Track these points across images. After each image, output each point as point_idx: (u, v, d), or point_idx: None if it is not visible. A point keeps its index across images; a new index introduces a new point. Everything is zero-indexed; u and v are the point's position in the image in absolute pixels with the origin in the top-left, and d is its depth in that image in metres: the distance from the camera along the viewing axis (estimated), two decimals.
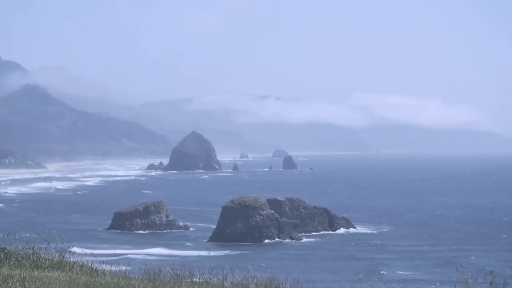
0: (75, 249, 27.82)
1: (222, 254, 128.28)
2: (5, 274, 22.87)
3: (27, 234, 29.72)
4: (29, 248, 27.71)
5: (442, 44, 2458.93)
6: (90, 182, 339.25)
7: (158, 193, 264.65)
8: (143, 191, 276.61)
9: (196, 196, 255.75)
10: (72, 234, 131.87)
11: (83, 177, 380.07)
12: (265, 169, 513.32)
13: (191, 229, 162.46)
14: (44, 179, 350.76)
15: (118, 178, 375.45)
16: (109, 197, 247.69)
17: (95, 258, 28.93)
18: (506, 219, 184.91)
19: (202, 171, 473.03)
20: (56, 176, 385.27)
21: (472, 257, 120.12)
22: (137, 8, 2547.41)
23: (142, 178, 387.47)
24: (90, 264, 27.37)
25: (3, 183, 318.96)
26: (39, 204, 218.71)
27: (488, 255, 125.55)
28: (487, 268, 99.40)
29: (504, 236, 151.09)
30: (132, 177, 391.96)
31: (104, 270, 27.05)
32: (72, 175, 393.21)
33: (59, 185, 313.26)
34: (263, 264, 27.86)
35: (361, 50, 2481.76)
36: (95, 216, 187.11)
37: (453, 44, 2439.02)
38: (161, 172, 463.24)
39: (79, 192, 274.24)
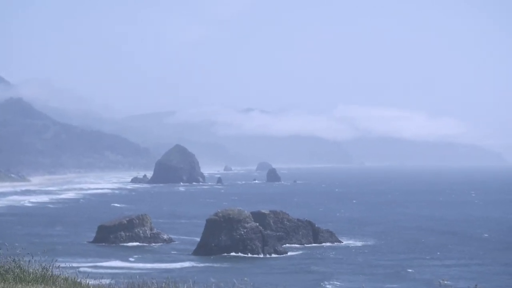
0: (58, 262, 27.65)
1: (206, 266, 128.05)
2: None
3: (9, 246, 29.46)
4: (12, 261, 27.51)
5: (427, 57, 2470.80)
6: (64, 195, 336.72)
7: (129, 206, 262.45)
8: (113, 204, 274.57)
9: (179, 210, 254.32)
10: (55, 247, 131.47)
11: (59, 190, 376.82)
12: (249, 182, 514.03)
13: (175, 242, 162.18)
14: (20, 193, 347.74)
15: (94, 191, 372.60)
16: (75, 211, 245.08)
17: (79, 271, 28.84)
18: (478, 231, 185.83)
19: (186, 184, 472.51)
20: (33, 189, 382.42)
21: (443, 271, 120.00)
22: (121, 21, 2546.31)
23: (116, 191, 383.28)
24: (74, 277, 27.25)
25: None
26: (9, 217, 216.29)
27: (465, 269, 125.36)
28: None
29: (481, 251, 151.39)
30: (108, 190, 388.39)
31: (88, 283, 26.95)
32: (49, 188, 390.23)
33: (33, 198, 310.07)
34: (245, 278, 27.83)
35: (346, 62, 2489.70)
36: (74, 228, 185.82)
37: (437, 58, 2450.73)
38: (139, 185, 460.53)
39: (50, 206, 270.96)
